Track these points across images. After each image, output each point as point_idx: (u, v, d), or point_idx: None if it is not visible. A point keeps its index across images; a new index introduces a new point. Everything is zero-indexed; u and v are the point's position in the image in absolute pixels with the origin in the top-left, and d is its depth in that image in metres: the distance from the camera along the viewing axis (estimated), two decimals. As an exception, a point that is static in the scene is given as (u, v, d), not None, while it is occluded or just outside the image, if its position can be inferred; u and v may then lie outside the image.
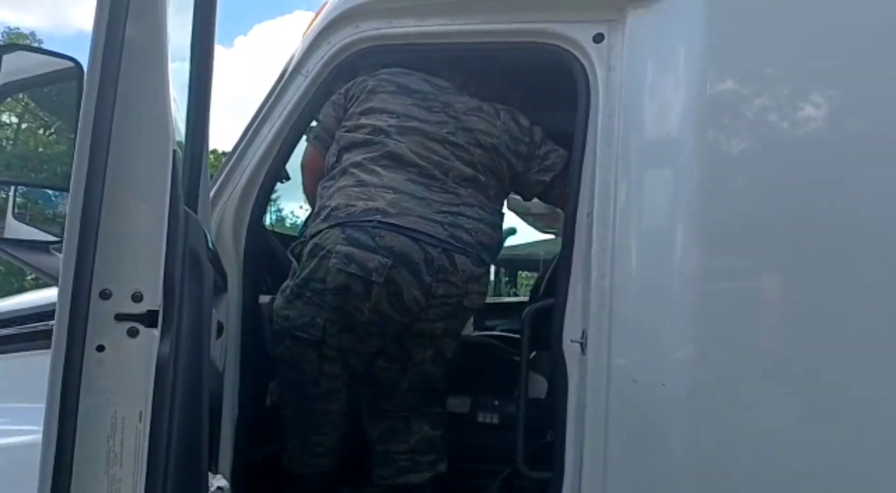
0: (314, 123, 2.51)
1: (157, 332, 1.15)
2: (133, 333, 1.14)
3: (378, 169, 2.26)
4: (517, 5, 2.23)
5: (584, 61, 2.15)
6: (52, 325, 2.29)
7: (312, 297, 2.25)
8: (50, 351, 2.30)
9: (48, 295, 2.50)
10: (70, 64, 2.02)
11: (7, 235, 1.98)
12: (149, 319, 1.15)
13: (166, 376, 1.16)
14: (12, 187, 2.01)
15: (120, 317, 1.13)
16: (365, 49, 2.32)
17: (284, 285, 2.34)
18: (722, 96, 1.89)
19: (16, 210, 2.01)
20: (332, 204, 2.24)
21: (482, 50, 2.31)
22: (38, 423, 2.26)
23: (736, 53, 1.90)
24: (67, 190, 2.05)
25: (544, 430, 2.31)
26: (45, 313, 2.37)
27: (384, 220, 2.18)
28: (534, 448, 2.27)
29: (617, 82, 2.09)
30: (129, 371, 1.13)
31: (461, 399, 2.54)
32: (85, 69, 1.22)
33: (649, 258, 1.94)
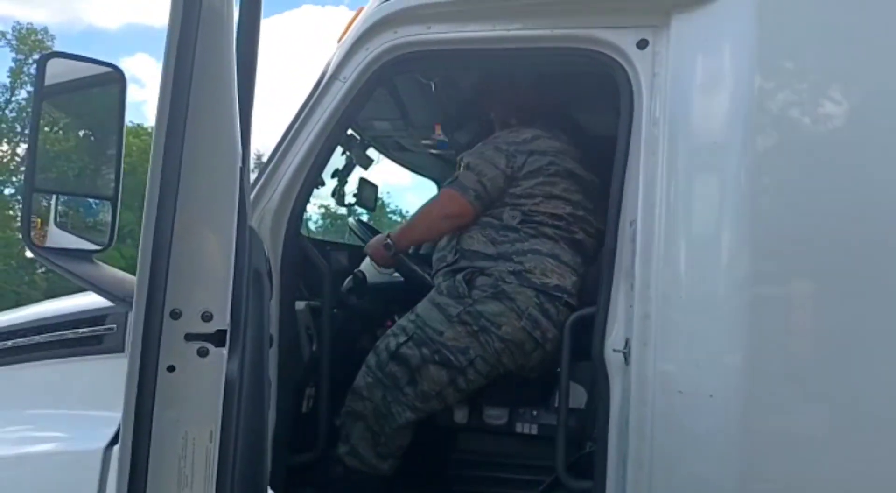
0: (469, 176, 2.57)
1: (225, 351, 1.14)
2: (203, 353, 1.13)
3: (566, 248, 2.55)
4: (559, 11, 2.20)
5: (627, 68, 2.13)
6: (80, 333, 2.32)
7: (478, 332, 2.43)
8: (73, 359, 2.33)
9: (74, 304, 2.51)
10: (110, 70, 2.02)
11: (49, 243, 1.97)
12: (217, 338, 1.14)
13: (233, 394, 1.16)
14: (54, 196, 2.00)
15: (190, 337, 1.12)
16: (403, 55, 2.29)
17: (444, 301, 2.47)
18: (771, 101, 1.86)
19: (58, 219, 2.00)
20: (527, 266, 2.47)
21: (522, 56, 2.29)
22: (63, 429, 2.28)
23: (786, 57, 1.88)
24: (109, 198, 2.06)
25: (583, 440, 2.29)
26: (70, 321, 2.38)
27: (568, 300, 2.46)
28: (573, 459, 2.26)
29: (661, 89, 2.07)
30: (199, 391, 1.12)
31: (499, 411, 2.52)
32: (157, 92, 1.20)
33: (696, 266, 1.92)
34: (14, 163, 34.45)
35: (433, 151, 3.45)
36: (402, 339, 2.44)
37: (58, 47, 33.71)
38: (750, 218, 1.83)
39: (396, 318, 2.94)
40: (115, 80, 2.00)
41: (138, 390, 1.09)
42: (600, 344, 2.10)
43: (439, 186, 4.25)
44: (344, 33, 2.47)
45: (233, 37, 1.26)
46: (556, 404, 2.38)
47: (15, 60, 33.53)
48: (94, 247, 2.00)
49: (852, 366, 1.75)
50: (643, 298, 1.99)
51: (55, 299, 2.82)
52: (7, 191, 34.51)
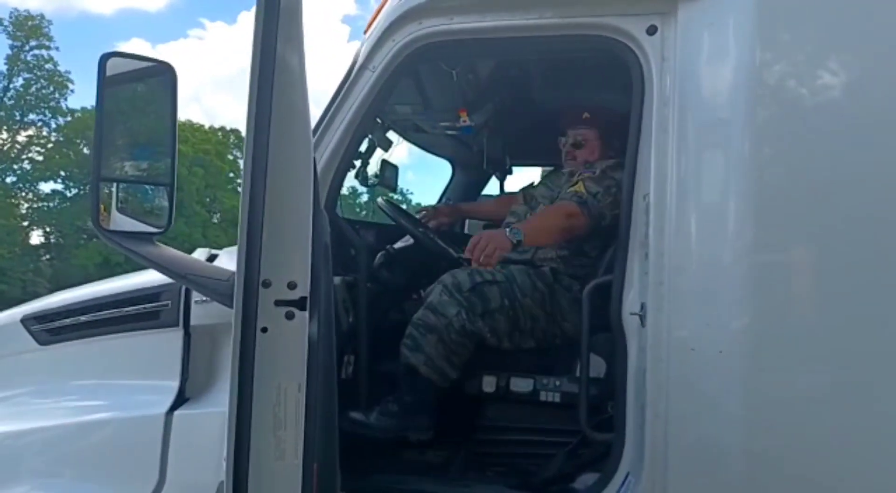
0: (583, 194, 2.83)
1: (307, 315, 1.33)
2: (290, 316, 1.32)
3: None
4: (573, 1, 2.36)
5: (638, 53, 2.30)
6: (138, 309, 2.51)
7: (549, 315, 2.79)
8: (133, 334, 2.52)
9: (131, 283, 2.71)
10: (163, 66, 2.20)
11: (113, 227, 2.15)
12: (300, 304, 1.33)
13: (315, 352, 1.35)
14: (115, 184, 2.18)
15: (279, 303, 1.31)
16: (428, 45, 2.46)
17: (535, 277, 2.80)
18: (772, 79, 2.03)
19: (119, 205, 2.18)
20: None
21: (539, 44, 2.46)
22: (125, 397, 2.47)
23: (786, 39, 2.04)
24: (166, 185, 2.24)
25: (604, 406, 2.49)
26: (128, 299, 2.58)
27: None
28: (596, 421, 2.46)
29: (671, 72, 2.24)
30: (288, 349, 1.31)
31: (525, 380, 2.72)
32: (247, 88, 1.37)
33: (705, 235, 2.10)
34: (14, 150, 34.42)
35: (449, 133, 3.62)
36: (489, 279, 2.70)
37: (54, 34, 33.62)
38: (753, 189, 2.01)
39: (422, 292, 3.15)
40: (167, 73, 2.18)
41: (241, 349, 1.28)
42: (618, 309, 2.30)
43: (452, 165, 4.43)
44: (370, 25, 2.64)
45: (303, 33, 1.43)
46: (578, 374, 2.58)
47: (12, 47, 33.36)
48: (154, 230, 2.18)
49: (852, 327, 1.92)
50: (657, 266, 2.18)
51: (112, 279, 3.01)
52: (9, 179, 34.52)
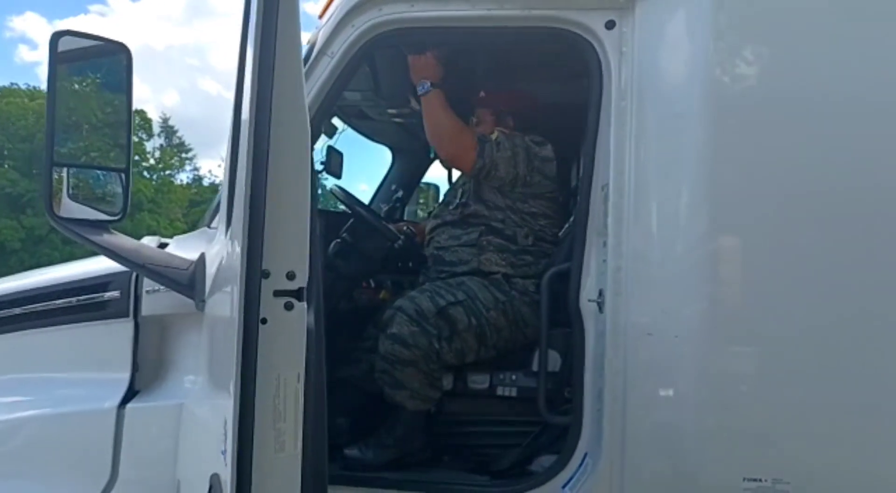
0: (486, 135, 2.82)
1: (305, 305, 1.32)
2: (289, 307, 1.30)
3: None
4: (533, -7, 2.40)
5: (596, 46, 2.36)
6: (85, 300, 2.40)
7: (512, 323, 2.75)
8: (80, 325, 2.42)
9: (71, 273, 2.59)
10: (118, 46, 2.11)
11: (64, 214, 2.06)
12: (299, 294, 1.31)
13: (311, 342, 1.33)
14: (65, 168, 2.08)
15: (277, 293, 1.29)
16: (388, 32, 2.45)
17: (493, 287, 2.76)
18: (727, 72, 2.12)
19: (70, 191, 2.09)
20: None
21: (498, 35, 2.48)
22: (75, 391, 2.37)
23: (740, 32, 2.13)
24: (122, 170, 2.15)
25: (560, 392, 2.55)
26: (75, 288, 2.46)
27: None
28: (556, 411, 2.52)
29: (628, 64, 2.31)
30: (287, 339, 1.29)
31: (481, 376, 2.75)
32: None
33: (662, 223, 2.19)
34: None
35: (397, 120, 3.61)
36: (452, 300, 2.66)
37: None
38: (707, 179, 2.11)
39: (371, 282, 3.14)
40: (121, 53, 2.10)
41: (244, 341, 1.25)
42: (576, 295, 2.37)
43: (393, 152, 4.41)
44: (325, 9, 2.59)
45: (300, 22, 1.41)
46: (534, 368, 2.64)
47: None
48: (108, 218, 2.10)
49: (804, 312, 2.02)
50: (616, 253, 2.26)
51: (48, 269, 2.87)
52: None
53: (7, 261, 36.17)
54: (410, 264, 3.04)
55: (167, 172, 41.60)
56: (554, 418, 2.50)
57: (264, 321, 1.29)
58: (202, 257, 2.14)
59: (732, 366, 2.10)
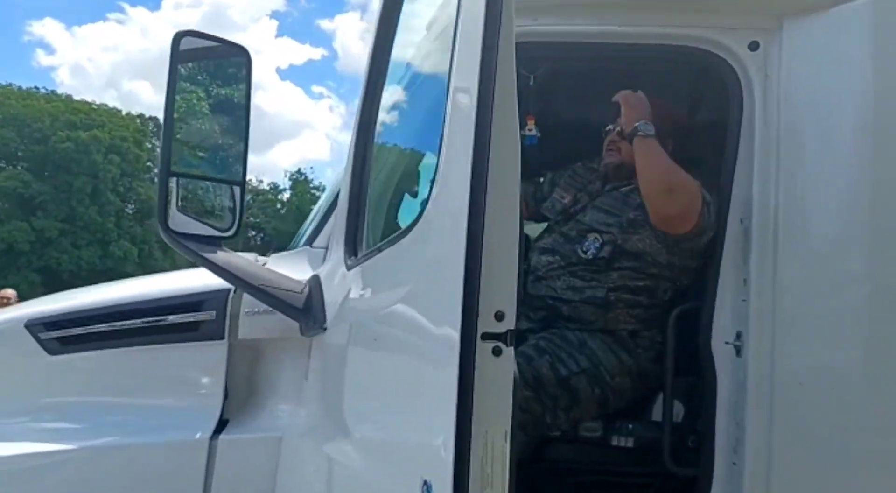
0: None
1: (512, 350, 1.14)
2: (497, 352, 1.12)
3: None
4: (668, 7, 2.24)
5: (738, 69, 2.19)
6: (177, 319, 2.22)
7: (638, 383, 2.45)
8: (169, 346, 2.23)
9: (159, 289, 2.41)
10: (238, 49, 1.96)
11: (171, 226, 1.89)
12: (507, 337, 1.13)
13: (516, 394, 1.15)
14: (175, 180, 1.91)
15: (486, 336, 1.11)
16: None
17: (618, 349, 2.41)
18: (889, 103, 1.95)
19: (179, 203, 1.92)
20: None
21: (628, 52, 2.32)
22: (164, 419, 2.18)
23: None
24: (238, 183, 1.99)
25: (685, 452, 2.31)
26: (158, 308, 2.28)
27: None
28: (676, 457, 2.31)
29: (773, 90, 2.14)
30: (495, 391, 1.11)
31: (594, 423, 2.46)
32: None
33: (815, 262, 2.00)
34: None
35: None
36: (575, 369, 2.35)
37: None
38: (870, 217, 1.93)
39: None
40: (241, 56, 1.95)
41: (459, 391, 1.06)
42: (707, 337, 2.18)
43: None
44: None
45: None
46: (652, 417, 2.43)
47: None
48: (220, 233, 1.93)
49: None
50: (760, 292, 2.07)
51: (126, 281, 2.69)
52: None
53: (15, 262, 36.07)
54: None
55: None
56: (682, 470, 2.29)
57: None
58: (316, 280, 1.97)
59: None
